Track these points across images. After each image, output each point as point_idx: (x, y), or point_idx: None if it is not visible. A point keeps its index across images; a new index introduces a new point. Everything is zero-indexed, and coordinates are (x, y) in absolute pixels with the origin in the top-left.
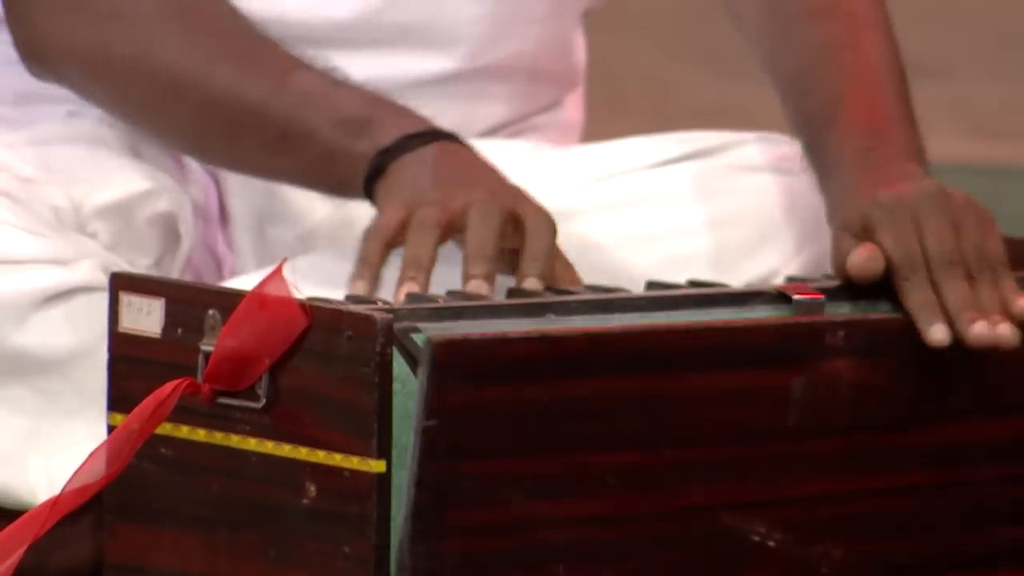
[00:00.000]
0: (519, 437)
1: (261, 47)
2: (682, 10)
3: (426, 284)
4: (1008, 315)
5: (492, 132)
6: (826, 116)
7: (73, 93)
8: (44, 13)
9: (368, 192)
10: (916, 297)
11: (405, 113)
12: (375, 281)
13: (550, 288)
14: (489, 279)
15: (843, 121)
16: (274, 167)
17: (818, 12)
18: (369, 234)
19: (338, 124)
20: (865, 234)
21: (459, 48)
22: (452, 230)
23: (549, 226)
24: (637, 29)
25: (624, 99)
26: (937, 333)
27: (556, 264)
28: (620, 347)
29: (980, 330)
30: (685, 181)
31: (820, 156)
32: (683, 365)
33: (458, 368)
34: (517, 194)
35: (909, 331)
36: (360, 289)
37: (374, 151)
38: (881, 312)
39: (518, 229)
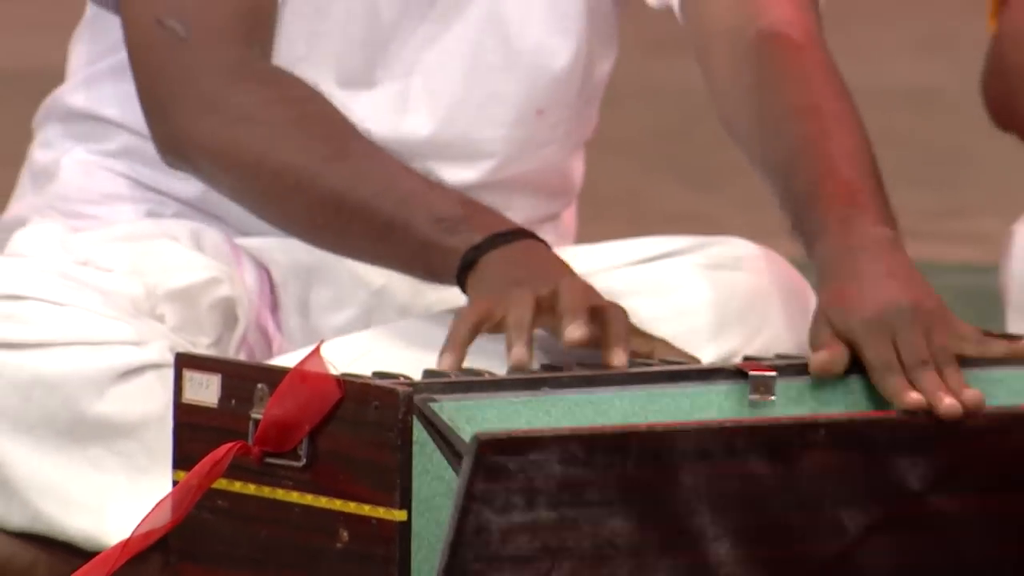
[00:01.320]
0: (542, 514)
1: (368, 151)
2: (656, 133)
3: (530, 345)
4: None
5: None
6: (810, 194)
7: (204, 183)
8: (184, 114)
9: (460, 282)
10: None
11: (494, 214)
12: (462, 358)
13: (545, 366)
14: (584, 329)
15: (825, 197)
16: (378, 255)
17: (800, 112)
18: (459, 319)
19: (435, 221)
20: (848, 343)
21: (484, 164)
22: (542, 313)
23: (624, 315)
24: (618, 148)
25: (607, 207)
26: (913, 397)
27: (636, 340)
28: (613, 443)
29: (950, 403)
30: (660, 277)
31: (807, 227)
32: (669, 458)
33: (497, 460)
34: (590, 289)
35: (878, 426)
36: (447, 363)
37: (466, 247)
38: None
39: (596, 318)
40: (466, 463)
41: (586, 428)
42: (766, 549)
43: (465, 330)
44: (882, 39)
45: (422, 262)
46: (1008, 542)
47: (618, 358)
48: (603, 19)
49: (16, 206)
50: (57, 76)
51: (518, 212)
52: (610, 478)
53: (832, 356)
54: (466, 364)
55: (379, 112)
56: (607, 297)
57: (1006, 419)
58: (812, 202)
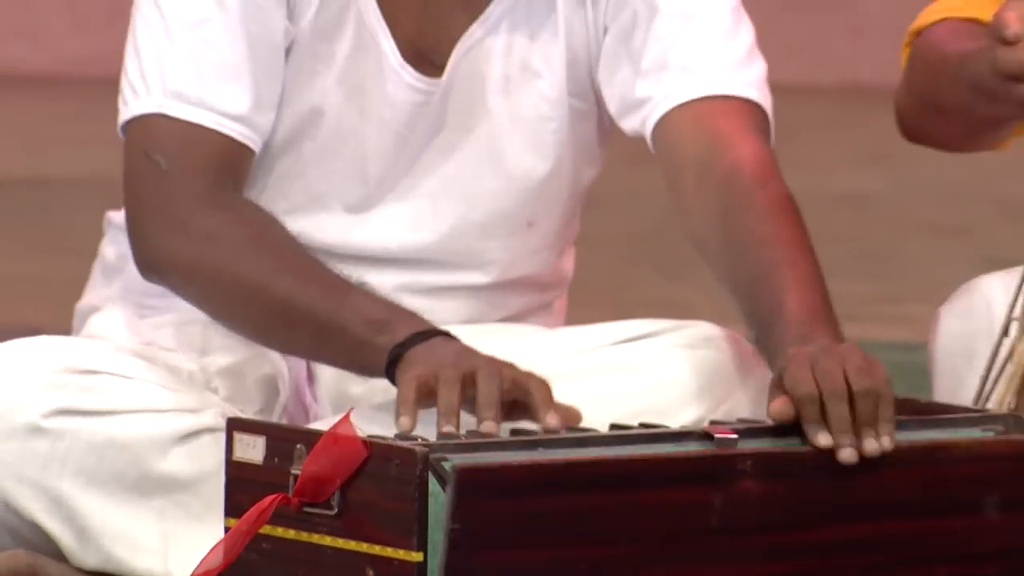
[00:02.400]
0: (516, 536)
1: (311, 265)
2: (635, 232)
3: (458, 425)
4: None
5: (504, 321)
6: (772, 317)
7: (175, 294)
8: (157, 233)
9: (389, 375)
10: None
11: (414, 317)
12: (415, 421)
13: (515, 431)
14: (496, 420)
15: (784, 320)
16: (320, 355)
17: (762, 240)
18: (403, 384)
19: (366, 324)
20: (779, 383)
21: (487, 270)
22: (466, 386)
23: (546, 383)
24: (603, 245)
25: (594, 296)
26: (822, 439)
27: (569, 412)
28: (588, 471)
29: (848, 455)
30: (639, 355)
31: (769, 345)
32: (634, 484)
33: (473, 487)
34: (512, 364)
35: (796, 458)
36: (404, 425)
37: (392, 344)
38: (780, 445)
39: (517, 386)
40: (449, 489)
41: (553, 459)
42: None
43: (410, 404)
44: (825, 152)
45: (357, 360)
46: (909, 564)
47: (551, 421)
48: (586, 143)
49: (90, 295)
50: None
51: (518, 305)
52: (576, 502)
53: (781, 404)
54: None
55: (389, 229)
56: (595, 373)
57: (907, 454)
58: (773, 325)
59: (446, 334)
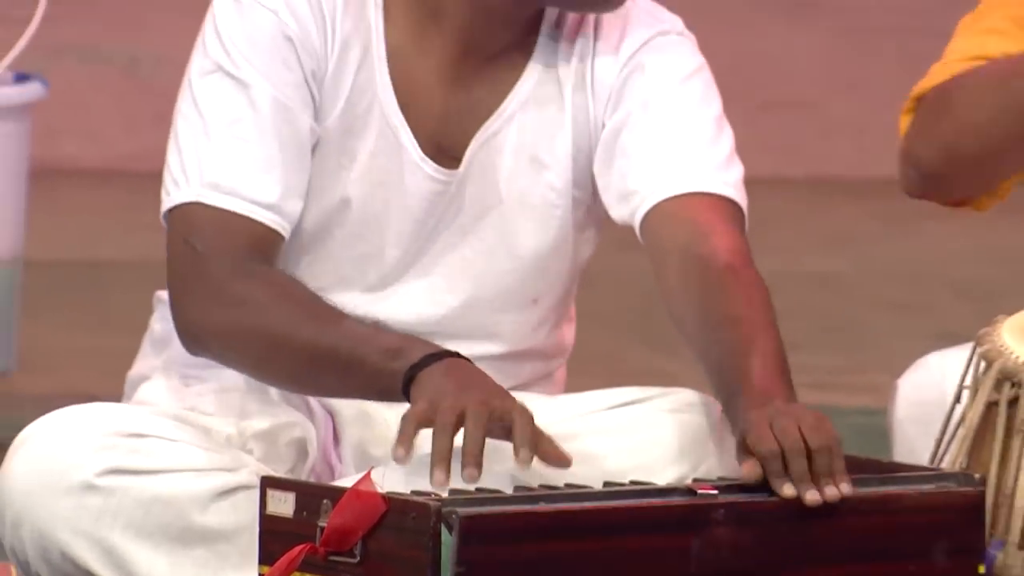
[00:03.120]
0: None
1: (332, 312)
2: (625, 308)
3: (448, 469)
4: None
5: (511, 389)
6: (736, 387)
7: (215, 361)
8: (192, 306)
9: (406, 395)
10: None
11: (427, 343)
12: (411, 450)
13: (545, 486)
14: (477, 468)
15: (746, 390)
16: (344, 389)
17: (731, 320)
18: (405, 419)
19: (382, 353)
20: (743, 444)
21: (494, 342)
22: (460, 427)
23: (529, 417)
24: (596, 321)
25: (589, 366)
26: (788, 490)
27: (543, 442)
28: (579, 520)
29: (813, 496)
30: (629, 418)
31: (732, 412)
32: (621, 531)
33: (476, 534)
34: (503, 394)
35: (764, 507)
36: (400, 452)
37: (407, 367)
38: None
39: (503, 420)
40: (454, 535)
41: (548, 508)
42: None
43: (411, 430)
44: (795, 237)
45: (376, 387)
46: None
47: (523, 456)
48: (585, 227)
49: (140, 365)
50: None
51: (524, 374)
52: (569, 548)
53: (749, 467)
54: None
55: (408, 304)
56: (590, 434)
57: (863, 504)
58: (737, 395)
59: (457, 355)
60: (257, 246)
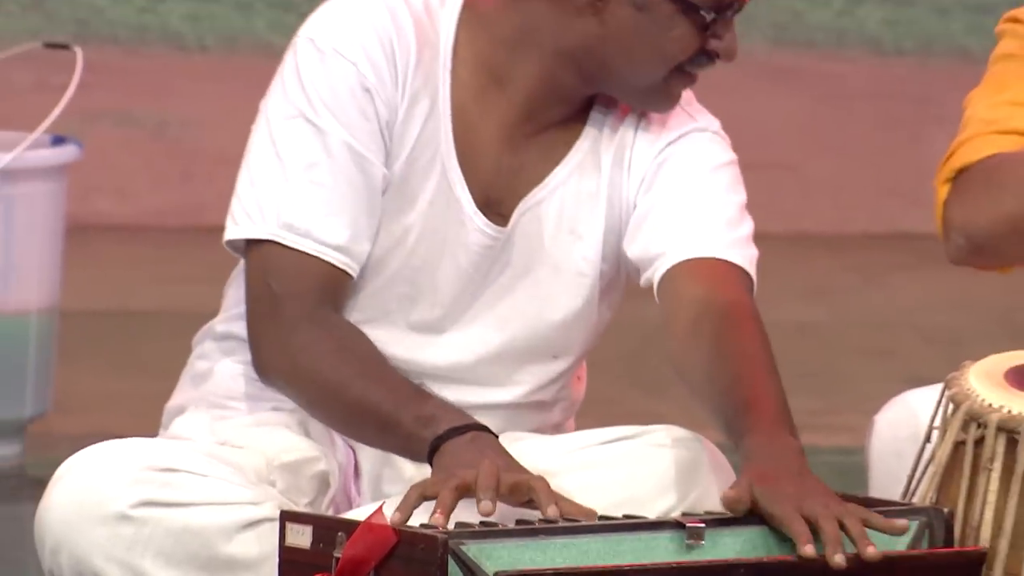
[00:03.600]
0: None
1: (382, 371)
2: (620, 355)
3: (447, 520)
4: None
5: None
6: (741, 418)
7: (282, 394)
8: (265, 347)
9: (430, 461)
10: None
11: (457, 413)
12: (409, 517)
13: (544, 520)
14: (493, 501)
15: (751, 420)
16: (383, 444)
17: (740, 360)
18: (414, 488)
19: (416, 420)
20: (762, 511)
21: (514, 391)
22: (467, 490)
23: (546, 483)
24: (593, 366)
25: (585, 406)
26: (809, 549)
27: (564, 504)
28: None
29: (840, 559)
30: (619, 453)
31: (738, 444)
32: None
33: None
34: (517, 466)
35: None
36: (397, 518)
37: (433, 437)
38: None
39: (519, 487)
40: (455, 566)
41: (576, 567)
42: None
43: (416, 496)
44: (775, 288)
45: (408, 449)
46: None
47: (552, 511)
48: (608, 295)
49: (178, 397)
50: (193, 316)
51: (534, 423)
52: None
53: (739, 494)
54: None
55: (442, 348)
56: (585, 468)
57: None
58: (742, 423)
59: (478, 428)
60: (327, 287)
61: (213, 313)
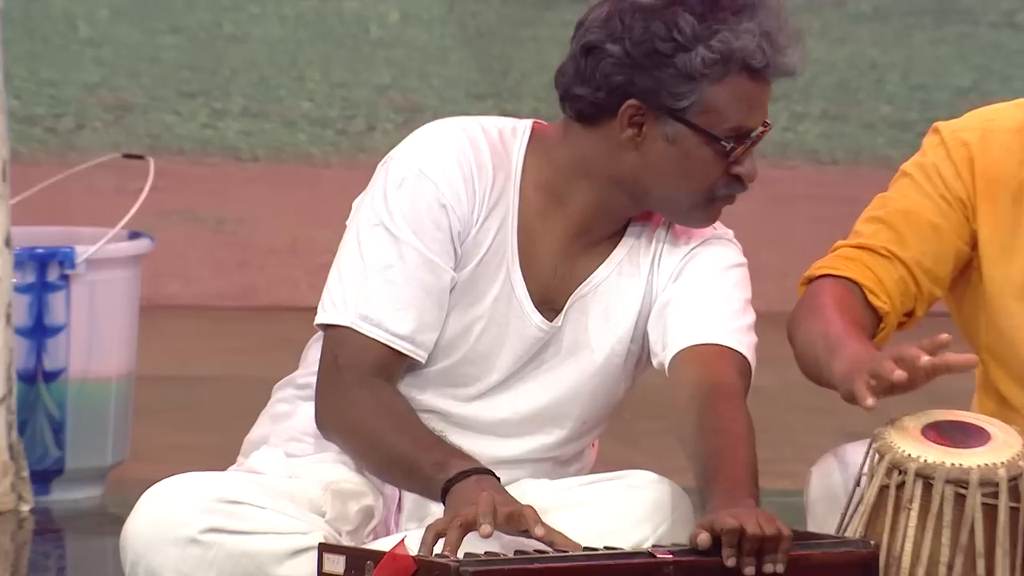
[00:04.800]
0: None
1: (412, 426)
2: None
3: (455, 552)
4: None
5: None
6: (713, 482)
7: (335, 444)
8: (323, 405)
9: (443, 500)
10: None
11: (465, 460)
12: (431, 550)
13: (538, 550)
14: (491, 525)
15: (720, 483)
16: (408, 486)
17: (719, 432)
18: (429, 530)
19: (432, 465)
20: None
21: (546, 446)
22: (470, 526)
23: (533, 510)
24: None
25: None
26: (731, 561)
27: (554, 535)
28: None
29: (750, 571)
30: (600, 493)
31: (706, 497)
32: None
33: None
34: (509, 498)
35: (704, 565)
36: (425, 550)
37: (445, 480)
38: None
39: (514, 517)
40: None
41: (536, 566)
42: None
43: (432, 537)
44: None
45: (427, 491)
46: None
47: (539, 531)
48: (630, 371)
49: (258, 430)
50: (245, 379)
51: (555, 476)
52: None
53: (707, 536)
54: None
55: (491, 409)
56: (571, 506)
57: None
58: (714, 486)
59: (482, 472)
60: (384, 365)
61: (263, 377)
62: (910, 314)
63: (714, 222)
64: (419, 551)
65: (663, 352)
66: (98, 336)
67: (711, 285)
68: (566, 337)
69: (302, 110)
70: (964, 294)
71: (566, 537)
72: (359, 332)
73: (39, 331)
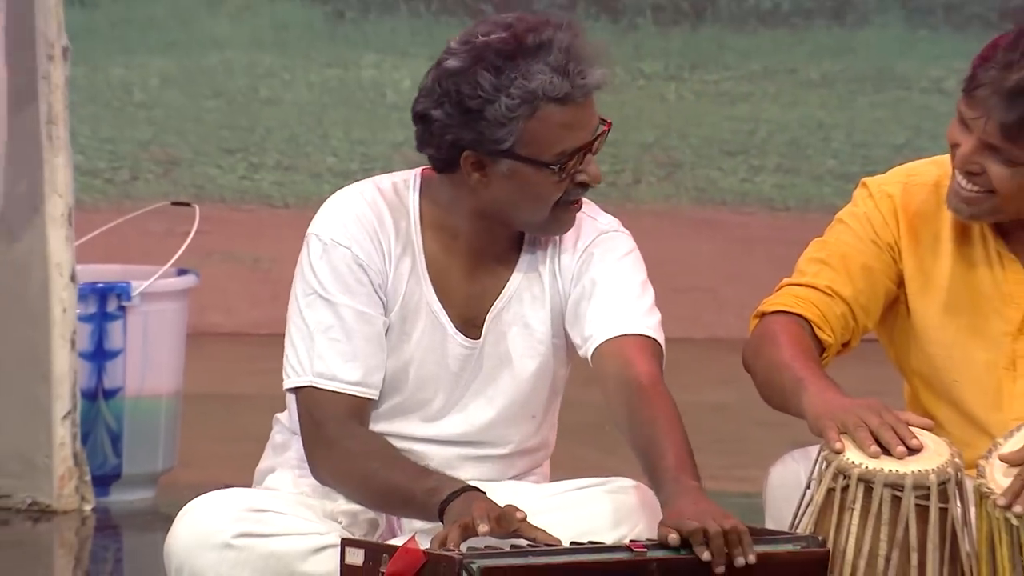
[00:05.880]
0: None
1: (398, 460)
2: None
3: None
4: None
5: (513, 478)
6: (657, 469)
7: (331, 489)
8: (312, 454)
9: (440, 520)
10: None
11: (452, 482)
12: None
13: (531, 545)
14: (488, 525)
15: (663, 470)
16: (404, 513)
17: (649, 423)
18: (433, 541)
19: (425, 492)
20: (672, 519)
21: (505, 448)
22: (468, 529)
23: (515, 507)
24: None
25: (555, 463)
26: (706, 555)
27: (538, 533)
28: (556, 570)
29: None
30: (583, 498)
31: (655, 484)
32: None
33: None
34: (496, 505)
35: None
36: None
37: (439, 502)
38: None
39: (505, 517)
40: None
41: (539, 562)
42: None
43: (437, 545)
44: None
45: (424, 513)
46: None
47: (523, 526)
48: (561, 358)
49: (265, 462)
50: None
51: (522, 466)
52: None
53: (677, 535)
54: None
55: (449, 426)
56: (557, 509)
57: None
58: (658, 473)
59: (468, 489)
60: (352, 410)
61: None
62: (846, 344)
63: (572, 226)
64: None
65: (584, 346)
66: (150, 359)
67: (611, 278)
68: (493, 350)
69: (327, 164)
70: (894, 326)
71: (546, 532)
72: (319, 388)
73: (99, 355)
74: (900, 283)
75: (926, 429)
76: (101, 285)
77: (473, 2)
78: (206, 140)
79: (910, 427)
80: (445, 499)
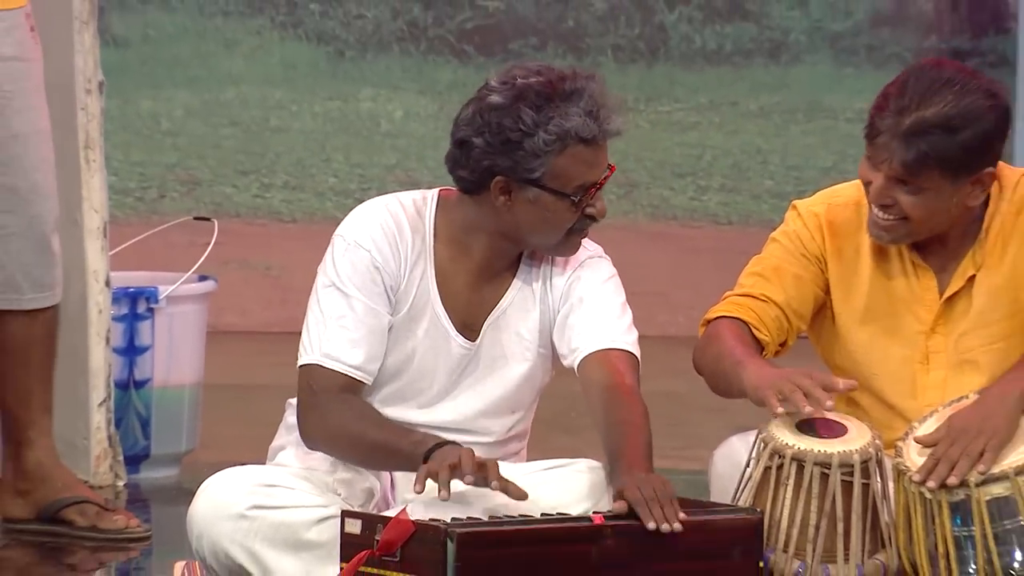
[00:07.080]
0: (491, 571)
1: (383, 421)
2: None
3: (448, 491)
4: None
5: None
6: (616, 461)
7: (320, 452)
8: (306, 421)
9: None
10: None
11: (436, 437)
12: (424, 487)
13: (509, 516)
14: (472, 477)
15: (621, 463)
16: (392, 466)
17: (620, 423)
18: (420, 470)
19: (411, 444)
20: (620, 495)
21: (487, 438)
22: (455, 467)
23: (496, 464)
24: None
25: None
26: (651, 524)
27: (508, 485)
28: (530, 535)
29: (664, 527)
30: (553, 477)
31: (612, 476)
32: (555, 541)
33: (467, 543)
34: (472, 454)
35: (634, 530)
36: (417, 488)
37: (425, 451)
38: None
39: (484, 465)
40: (454, 544)
41: (511, 528)
42: None
43: (423, 476)
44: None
45: (408, 464)
46: None
47: (495, 486)
48: (545, 366)
49: (278, 440)
50: (289, 388)
51: (502, 452)
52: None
53: (623, 503)
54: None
55: (440, 414)
56: (532, 486)
57: (692, 524)
58: (616, 465)
59: (451, 443)
60: (347, 387)
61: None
62: (783, 344)
63: (577, 250)
64: (414, 484)
65: (570, 356)
66: (175, 354)
67: (596, 298)
68: (487, 353)
69: (329, 184)
70: (822, 327)
71: (517, 486)
72: (323, 366)
73: (130, 350)
74: (827, 290)
75: (851, 390)
76: (132, 289)
77: (457, 43)
78: (224, 163)
79: (837, 414)
80: (430, 448)
